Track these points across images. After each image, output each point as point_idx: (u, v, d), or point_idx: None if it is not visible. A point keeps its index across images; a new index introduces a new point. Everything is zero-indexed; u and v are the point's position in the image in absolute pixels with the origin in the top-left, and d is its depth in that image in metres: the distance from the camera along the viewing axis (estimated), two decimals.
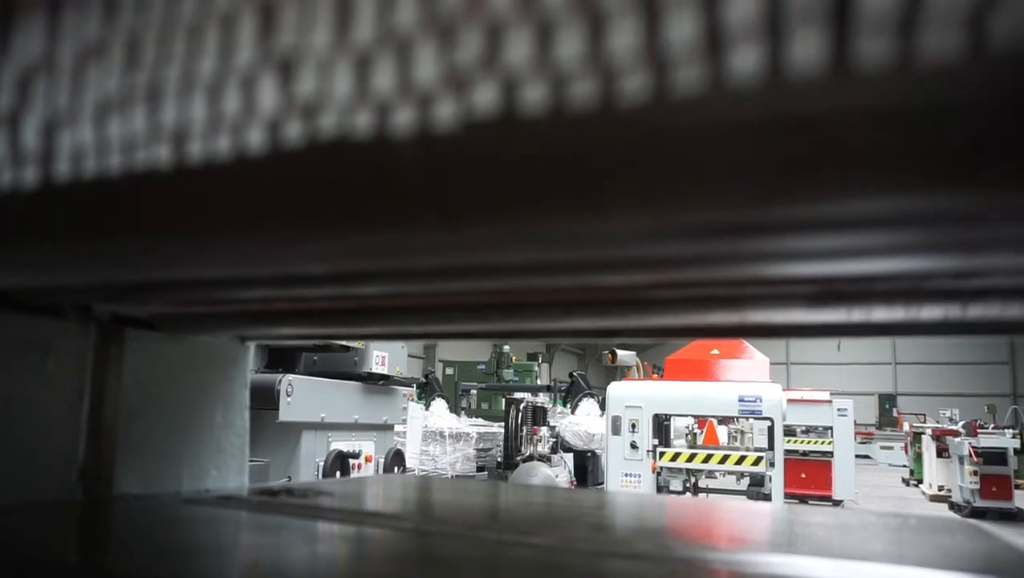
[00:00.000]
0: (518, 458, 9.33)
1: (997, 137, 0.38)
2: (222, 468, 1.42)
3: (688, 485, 8.29)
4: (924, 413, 24.02)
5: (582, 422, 9.44)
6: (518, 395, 10.38)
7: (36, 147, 0.59)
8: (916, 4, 0.33)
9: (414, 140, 0.45)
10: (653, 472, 7.92)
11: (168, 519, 1.13)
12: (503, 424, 10.03)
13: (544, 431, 9.56)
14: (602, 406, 9.17)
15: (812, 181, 0.44)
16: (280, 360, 5.31)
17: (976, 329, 0.94)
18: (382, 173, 0.50)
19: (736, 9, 0.36)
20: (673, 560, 0.88)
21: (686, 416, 9.34)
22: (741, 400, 7.71)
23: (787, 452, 9.52)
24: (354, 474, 5.42)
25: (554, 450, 9.43)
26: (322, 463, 5.14)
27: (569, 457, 9.40)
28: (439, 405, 11.40)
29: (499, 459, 9.95)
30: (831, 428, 12.59)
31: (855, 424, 13.88)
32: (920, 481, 16.09)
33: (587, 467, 9.46)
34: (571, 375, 10.83)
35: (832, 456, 12.38)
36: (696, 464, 8.01)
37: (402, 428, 8.54)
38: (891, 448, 24.12)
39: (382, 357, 5.85)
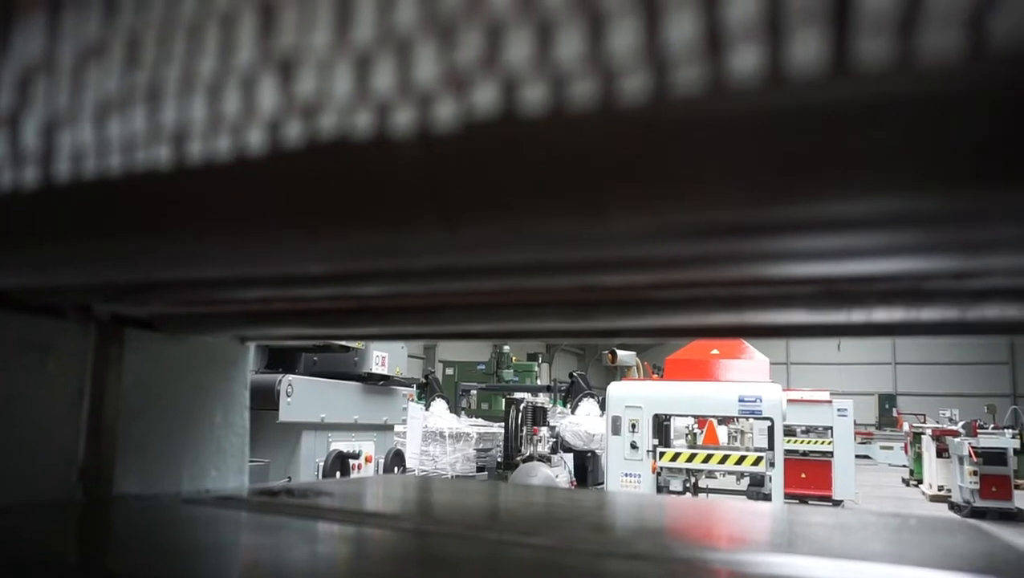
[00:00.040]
0: (518, 458, 9.33)
1: (997, 137, 0.38)
2: (222, 468, 1.42)
3: (688, 485, 8.29)
4: (924, 413, 24.03)
5: (582, 422, 9.44)
6: (518, 395, 10.38)
7: (36, 147, 0.59)
8: (916, 4, 0.33)
9: (414, 140, 0.45)
10: (653, 472, 7.92)
11: (168, 519, 1.13)
12: (503, 424, 10.04)
13: (544, 431, 9.57)
14: (602, 406, 9.17)
15: (812, 181, 0.44)
16: (280, 360, 5.32)
17: (976, 329, 0.94)
18: (382, 173, 0.50)
19: (736, 9, 0.36)
20: (673, 560, 0.88)
21: (686, 416, 9.35)
22: (741, 400, 7.71)
23: (787, 452, 9.52)
24: (354, 474, 5.42)
25: (554, 450, 9.43)
26: (322, 463, 5.14)
27: (569, 457, 9.40)
28: (439, 405, 11.40)
29: (499, 459, 9.96)
30: (831, 428, 12.60)
31: (855, 424, 13.89)
32: (920, 481, 16.09)
33: (587, 467, 9.46)
34: (571, 375, 10.83)
35: (832, 456, 12.38)
36: (696, 464, 8.01)
37: (402, 428, 8.54)
38: (891, 448, 24.12)
39: (382, 357, 5.85)
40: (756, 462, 7.77)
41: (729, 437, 11.04)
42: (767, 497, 7.62)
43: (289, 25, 0.47)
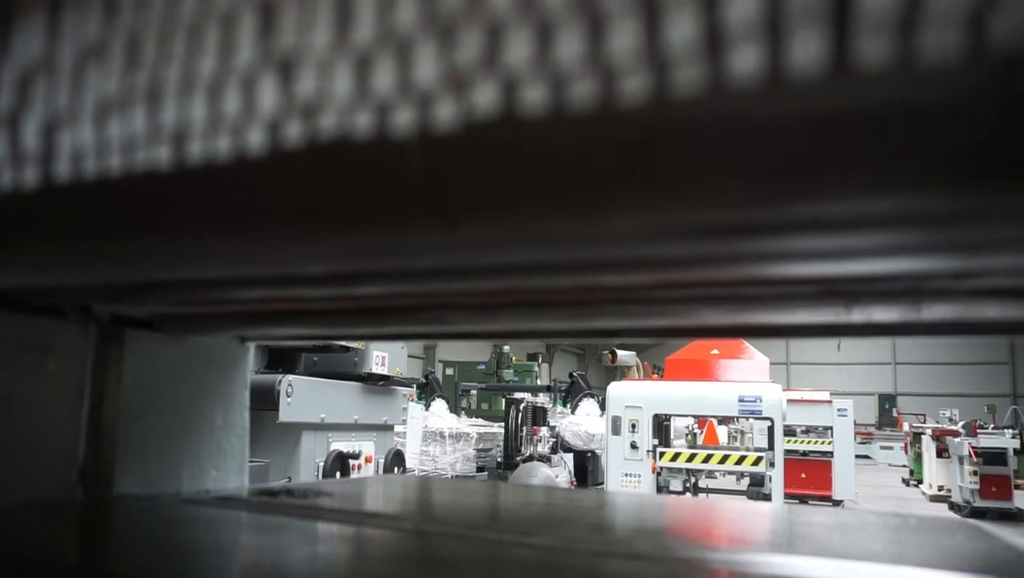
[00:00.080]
0: (518, 458, 9.33)
1: (997, 137, 0.38)
2: (222, 468, 1.42)
3: (688, 485, 8.29)
4: (924, 413, 24.03)
5: (582, 422, 9.44)
6: (518, 395, 10.38)
7: (36, 147, 0.59)
8: (916, 4, 0.33)
9: (414, 140, 0.45)
10: (653, 472, 7.92)
11: (168, 519, 1.13)
12: (503, 424, 10.04)
13: (544, 431, 9.57)
14: (602, 406, 9.17)
15: (812, 181, 0.44)
16: (280, 360, 5.31)
17: (976, 329, 0.94)
18: (382, 173, 0.50)
19: (736, 9, 0.36)
20: (673, 560, 0.88)
21: (686, 416, 9.35)
22: (741, 400, 7.71)
23: (787, 452, 9.52)
24: (354, 474, 5.42)
25: (554, 450, 9.43)
26: (322, 463, 5.14)
27: (569, 457, 9.40)
28: (439, 405, 11.41)
29: (499, 459, 9.96)
30: (831, 428, 12.60)
31: (855, 424, 13.89)
32: (920, 481, 16.09)
33: (587, 467, 9.46)
34: (571, 375, 10.83)
35: (832, 456, 12.38)
36: (696, 464, 8.01)
37: (402, 428, 8.54)
38: (891, 448, 24.12)
39: (382, 357, 5.85)
40: (756, 462, 7.77)
41: (729, 437, 11.04)
42: (767, 497, 7.62)
43: (289, 25, 0.47)
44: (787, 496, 8.42)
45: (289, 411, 4.72)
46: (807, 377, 30.27)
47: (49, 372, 1.14)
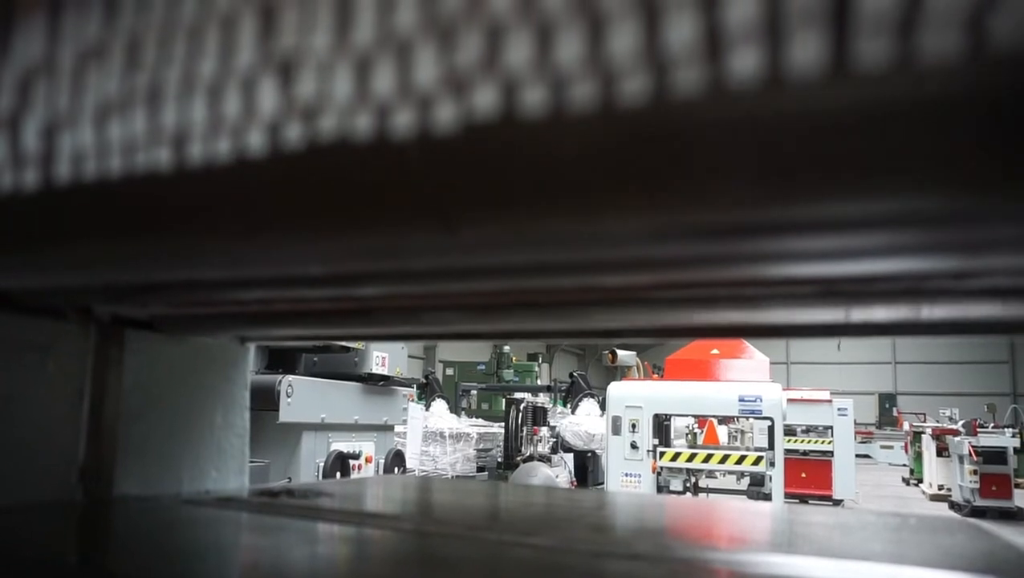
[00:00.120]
0: (518, 458, 9.33)
1: (997, 137, 0.38)
2: (222, 469, 1.42)
3: (688, 485, 8.29)
4: (924, 412, 24.03)
5: (582, 422, 9.44)
6: (518, 395, 10.38)
7: (37, 149, 0.59)
8: (916, 5, 0.33)
9: (414, 142, 0.45)
10: (653, 472, 7.92)
11: (168, 520, 1.13)
12: (503, 424, 10.03)
13: (544, 431, 9.56)
14: (602, 406, 9.17)
15: (812, 182, 0.44)
16: (280, 361, 5.32)
17: (976, 329, 0.94)
18: (382, 175, 0.50)
19: (735, 11, 0.36)
20: (673, 560, 0.88)
21: (686, 416, 9.35)
22: (741, 400, 7.71)
23: (787, 452, 9.52)
24: (354, 475, 5.42)
25: (554, 450, 9.43)
26: (322, 464, 5.14)
27: (569, 457, 9.40)
28: (439, 405, 11.40)
29: (499, 459, 9.96)
30: (831, 428, 12.59)
31: (855, 423, 13.88)
32: (920, 480, 16.09)
33: (587, 467, 9.46)
34: (571, 375, 10.83)
35: (832, 456, 12.38)
36: (696, 464, 8.01)
37: (402, 429, 8.54)
38: (891, 447, 24.11)
39: (382, 358, 5.85)
40: (756, 462, 7.77)
41: (729, 437, 11.04)
42: (767, 497, 7.62)
43: (289, 27, 0.47)
44: (787, 496, 8.42)
45: (289, 411, 4.72)
46: (807, 377, 30.27)
47: (49, 373, 1.14)
